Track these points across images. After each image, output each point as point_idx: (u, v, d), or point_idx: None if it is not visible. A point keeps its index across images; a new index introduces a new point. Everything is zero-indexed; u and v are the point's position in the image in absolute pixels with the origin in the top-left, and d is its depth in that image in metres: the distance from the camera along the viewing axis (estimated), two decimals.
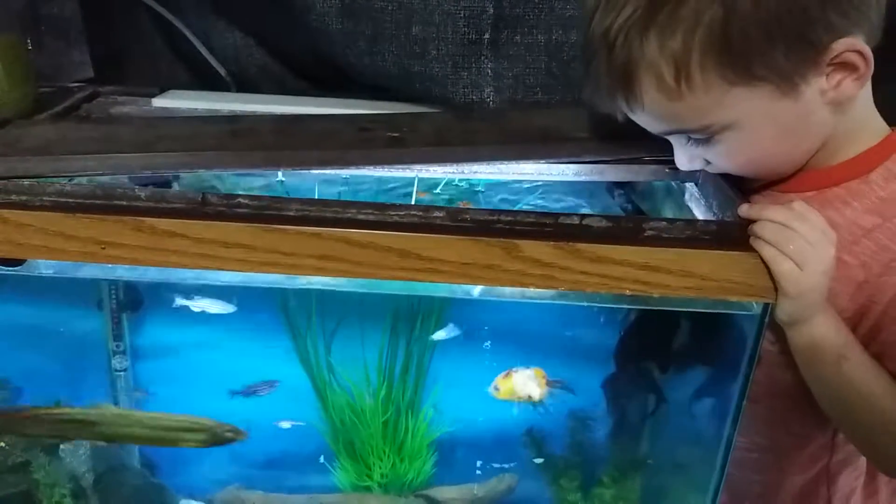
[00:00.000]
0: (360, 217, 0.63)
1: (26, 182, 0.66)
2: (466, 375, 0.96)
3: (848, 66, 0.65)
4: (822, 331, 0.66)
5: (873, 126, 0.72)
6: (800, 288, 0.62)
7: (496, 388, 0.92)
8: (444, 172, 0.80)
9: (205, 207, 0.64)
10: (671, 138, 0.73)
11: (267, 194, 0.70)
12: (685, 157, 0.73)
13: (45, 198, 0.65)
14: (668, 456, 0.96)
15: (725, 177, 0.75)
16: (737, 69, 0.64)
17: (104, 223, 0.63)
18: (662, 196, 0.86)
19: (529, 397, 0.93)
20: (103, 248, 0.63)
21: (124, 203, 0.64)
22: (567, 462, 0.98)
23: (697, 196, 0.78)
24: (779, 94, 0.65)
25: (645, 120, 0.71)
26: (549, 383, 0.94)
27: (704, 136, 0.69)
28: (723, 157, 0.71)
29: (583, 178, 0.80)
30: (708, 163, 0.73)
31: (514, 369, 0.92)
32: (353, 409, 0.99)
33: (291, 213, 0.64)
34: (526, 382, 0.92)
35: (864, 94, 0.70)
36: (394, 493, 1.02)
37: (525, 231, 0.63)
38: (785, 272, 0.61)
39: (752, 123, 0.67)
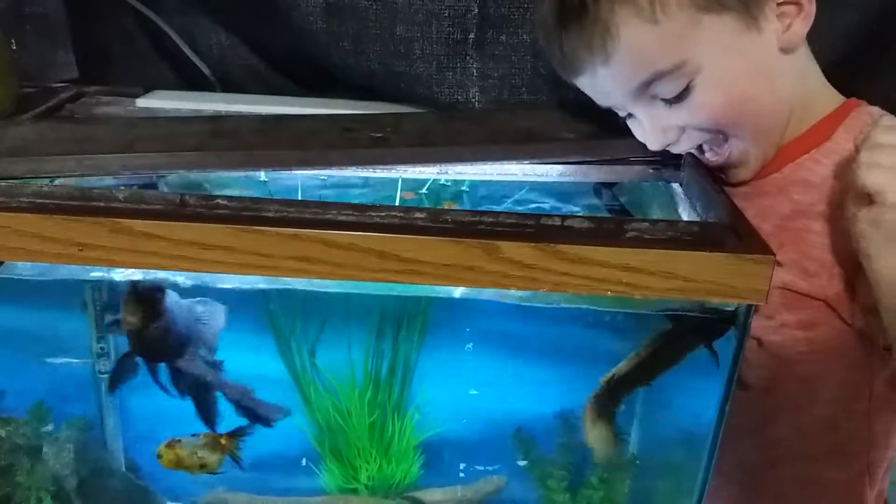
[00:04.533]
0: (340, 218, 0.63)
1: (3, 183, 0.66)
2: (453, 377, 0.96)
3: (793, 3, 0.70)
4: None
5: (828, 96, 0.77)
6: None
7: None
8: (428, 173, 0.80)
9: (183, 209, 0.63)
10: (645, 112, 0.73)
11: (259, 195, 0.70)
12: (659, 128, 0.73)
13: (22, 199, 0.64)
14: (651, 458, 0.96)
15: (711, 176, 0.74)
16: None
17: (81, 224, 0.62)
18: (648, 197, 0.86)
19: (203, 466, 0.91)
20: (80, 250, 0.63)
21: (101, 204, 0.63)
22: (555, 463, 0.98)
23: (683, 197, 0.77)
24: (744, 27, 0.69)
25: (620, 72, 0.71)
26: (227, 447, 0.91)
27: (680, 82, 0.70)
28: (702, 109, 0.72)
29: (568, 179, 0.80)
30: (682, 132, 0.74)
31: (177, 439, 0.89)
32: (339, 410, 0.99)
33: (270, 215, 0.63)
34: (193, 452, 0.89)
35: (814, 67, 0.76)
36: (380, 495, 1.01)
37: (506, 232, 0.62)
38: None
39: (723, 60, 0.70)
